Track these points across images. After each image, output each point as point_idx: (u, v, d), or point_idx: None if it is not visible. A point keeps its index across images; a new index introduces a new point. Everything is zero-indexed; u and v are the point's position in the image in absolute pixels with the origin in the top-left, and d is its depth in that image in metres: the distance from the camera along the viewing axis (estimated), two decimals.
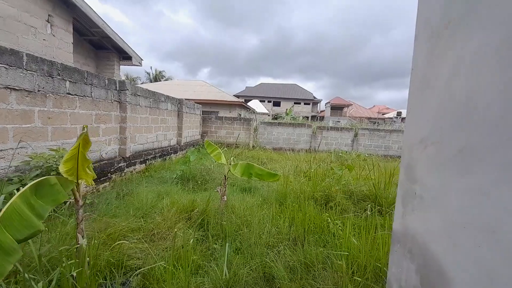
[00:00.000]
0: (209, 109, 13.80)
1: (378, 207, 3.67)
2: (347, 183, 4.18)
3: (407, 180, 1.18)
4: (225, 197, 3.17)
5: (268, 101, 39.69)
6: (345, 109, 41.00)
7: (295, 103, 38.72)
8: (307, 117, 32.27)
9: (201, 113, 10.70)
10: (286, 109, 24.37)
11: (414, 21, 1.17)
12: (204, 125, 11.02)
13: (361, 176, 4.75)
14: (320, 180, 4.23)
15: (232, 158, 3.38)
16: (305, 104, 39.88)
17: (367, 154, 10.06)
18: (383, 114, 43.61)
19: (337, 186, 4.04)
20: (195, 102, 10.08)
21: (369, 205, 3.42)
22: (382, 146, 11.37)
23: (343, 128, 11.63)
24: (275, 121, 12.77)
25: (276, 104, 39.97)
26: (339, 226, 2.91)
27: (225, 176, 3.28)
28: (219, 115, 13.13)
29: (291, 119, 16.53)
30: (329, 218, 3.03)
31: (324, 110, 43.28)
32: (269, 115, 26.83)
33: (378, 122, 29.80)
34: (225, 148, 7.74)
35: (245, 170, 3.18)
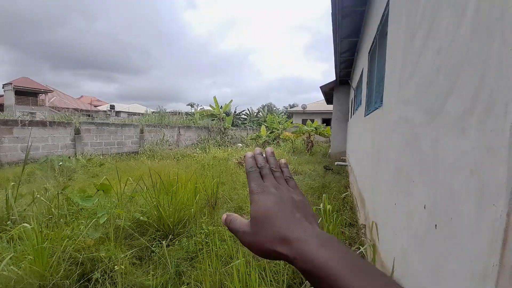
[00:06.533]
0: None
1: (164, 233, 2.66)
2: (110, 218, 2.46)
3: None
4: None
5: None
6: (42, 96, 30.02)
7: None
8: None
9: None
10: None
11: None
12: None
13: (124, 193, 3.19)
14: (54, 238, 2.02)
15: None
16: None
17: (102, 155, 7.93)
18: (95, 106, 39.33)
19: (95, 232, 2.20)
20: None
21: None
22: (114, 143, 9.74)
23: (55, 122, 7.90)
24: None
25: None
26: None
27: None
28: None
29: None
30: None
31: (2, 96, 27.78)
32: None
33: (92, 115, 26.15)
34: None
35: None
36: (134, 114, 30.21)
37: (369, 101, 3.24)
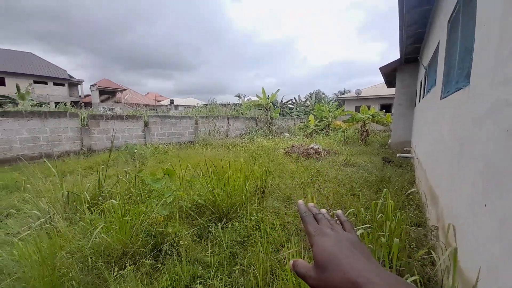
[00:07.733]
0: None
1: (218, 216, 2.85)
2: (175, 199, 2.79)
3: None
4: None
5: None
6: (118, 95, 35.56)
7: (36, 81, 25.93)
8: (65, 103, 23.17)
9: None
10: (19, 90, 15.04)
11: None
12: None
13: (184, 177, 3.56)
14: (133, 213, 2.41)
15: None
16: (56, 84, 28.32)
17: (165, 144, 9.00)
18: (158, 101, 44.38)
19: (164, 210, 2.53)
20: None
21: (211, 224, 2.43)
22: (175, 133, 10.90)
23: (129, 116, 9.31)
24: None
25: None
26: None
27: None
28: None
29: (35, 105, 10.33)
30: None
31: (90, 95, 34.16)
32: None
33: (156, 109, 29.64)
34: None
35: None
36: (189, 107, 33.06)
37: (448, 80, 2.70)
